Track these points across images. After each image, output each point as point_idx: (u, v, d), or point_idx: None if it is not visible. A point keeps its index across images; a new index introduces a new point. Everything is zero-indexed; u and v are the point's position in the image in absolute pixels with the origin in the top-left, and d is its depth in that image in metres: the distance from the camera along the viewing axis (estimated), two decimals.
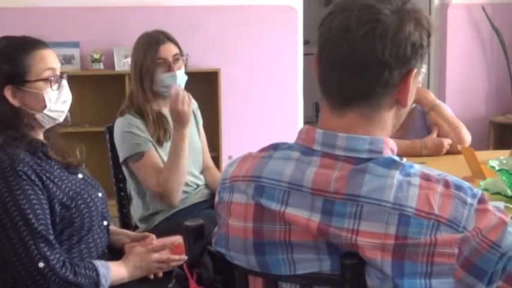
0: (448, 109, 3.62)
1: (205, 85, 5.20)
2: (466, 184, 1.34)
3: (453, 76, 6.06)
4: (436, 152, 3.43)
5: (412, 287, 1.29)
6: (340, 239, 1.31)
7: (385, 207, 1.29)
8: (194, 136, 3.17)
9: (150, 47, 2.98)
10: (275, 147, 1.44)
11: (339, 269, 1.32)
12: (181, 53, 3.05)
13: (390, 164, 1.33)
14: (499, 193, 2.59)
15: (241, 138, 5.44)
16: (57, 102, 2.22)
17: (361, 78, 1.36)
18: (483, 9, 5.89)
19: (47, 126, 2.25)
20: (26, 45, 2.20)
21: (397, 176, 1.31)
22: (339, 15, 1.36)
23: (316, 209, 1.33)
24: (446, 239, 1.28)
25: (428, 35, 1.39)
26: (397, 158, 1.35)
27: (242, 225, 1.39)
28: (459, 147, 3.22)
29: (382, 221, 1.28)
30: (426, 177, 1.33)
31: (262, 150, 1.45)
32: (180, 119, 2.84)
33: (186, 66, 3.10)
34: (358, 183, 1.31)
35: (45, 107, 2.19)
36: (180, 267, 1.52)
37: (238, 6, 5.37)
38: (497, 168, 2.62)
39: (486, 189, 2.62)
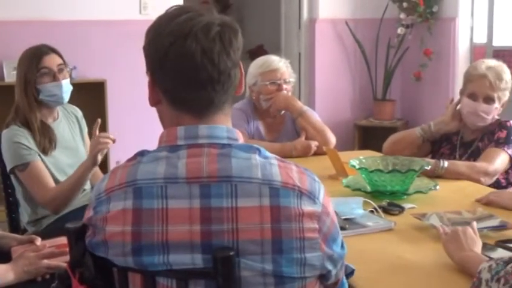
0: (314, 114, 3.73)
1: (92, 95, 5.10)
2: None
3: (321, 84, 6.18)
4: (304, 153, 3.52)
5: (290, 262, 1.36)
6: (222, 224, 1.34)
7: (256, 183, 1.36)
8: (79, 143, 3.13)
9: (35, 57, 2.91)
10: (141, 154, 1.44)
11: (212, 263, 1.34)
12: (65, 64, 3.01)
13: (249, 149, 1.42)
14: (359, 189, 2.69)
15: (129, 144, 5.36)
16: None
17: (224, 85, 1.43)
18: (346, 23, 6.05)
19: None
20: None
21: (257, 158, 1.40)
22: (186, 41, 1.39)
23: (195, 196, 1.35)
24: (309, 211, 1.38)
25: None
26: (255, 145, 1.44)
27: (120, 230, 1.36)
28: (324, 148, 3.31)
29: (256, 195, 1.35)
30: (281, 160, 1.44)
31: (130, 160, 1.45)
32: (95, 160, 2.81)
33: (70, 77, 3.06)
34: (227, 166, 1.37)
35: None
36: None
37: (121, 21, 5.32)
38: (357, 166, 2.72)
39: (348, 186, 2.72)
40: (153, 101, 1.49)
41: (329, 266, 1.43)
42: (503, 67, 3.14)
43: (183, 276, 1.35)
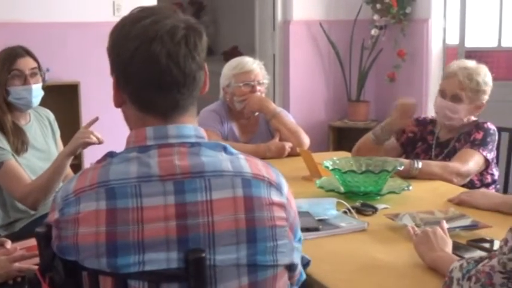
0: (288, 116, 3.73)
1: (66, 98, 5.08)
2: None
3: (296, 86, 6.19)
4: (278, 154, 3.53)
5: (263, 251, 1.40)
6: (197, 217, 1.36)
7: (228, 175, 1.40)
8: (51, 146, 3.11)
9: (8, 59, 2.88)
10: (111, 155, 1.44)
11: (185, 264, 1.34)
12: (39, 69, 2.99)
13: (216, 146, 1.46)
14: (332, 190, 2.69)
15: (103, 146, 5.34)
16: None
17: (190, 89, 1.45)
18: (320, 25, 6.07)
19: None
20: None
21: (224, 154, 1.44)
22: (152, 45, 1.40)
23: (169, 193, 1.37)
24: (277, 201, 1.44)
25: None
26: (221, 143, 1.49)
27: (94, 231, 1.35)
28: (298, 149, 3.32)
29: (229, 186, 1.40)
30: (246, 155, 1.49)
31: (99, 161, 1.45)
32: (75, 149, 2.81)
33: (43, 81, 3.03)
34: (199, 163, 1.40)
35: None
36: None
37: (94, 23, 5.29)
38: (331, 167, 2.73)
39: (321, 187, 2.72)
40: (118, 103, 1.49)
41: (295, 255, 1.49)
42: (479, 69, 3.16)
43: (155, 279, 1.35)
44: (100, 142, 2.82)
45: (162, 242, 1.35)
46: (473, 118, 3.22)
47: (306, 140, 3.61)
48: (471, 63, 3.21)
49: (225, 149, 1.46)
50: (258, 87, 3.62)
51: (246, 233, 1.38)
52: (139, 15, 1.45)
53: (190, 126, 1.46)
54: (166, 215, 1.35)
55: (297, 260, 1.52)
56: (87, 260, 1.37)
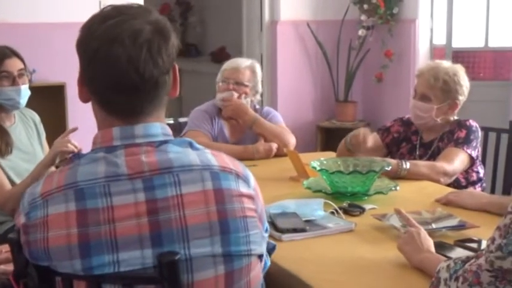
0: (277, 117, 3.72)
1: (52, 99, 5.05)
2: None
3: (283, 86, 6.19)
4: (266, 155, 3.52)
5: (237, 241, 1.42)
6: (169, 212, 1.36)
7: (197, 169, 1.42)
8: (36, 149, 3.09)
9: None
10: (77, 157, 1.43)
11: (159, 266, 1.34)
12: (26, 69, 2.97)
13: (182, 143, 1.47)
14: (320, 191, 2.69)
15: (88, 148, 5.33)
16: None
17: (151, 93, 1.44)
18: (308, 25, 6.07)
19: None
20: None
21: (191, 150, 1.46)
22: (112, 47, 1.39)
23: (139, 190, 1.37)
24: (246, 193, 1.47)
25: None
26: (186, 139, 1.49)
27: (65, 233, 1.34)
28: (285, 150, 3.32)
29: (198, 180, 1.41)
30: (212, 150, 1.50)
31: (66, 164, 1.45)
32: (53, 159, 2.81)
33: (30, 81, 3.03)
34: (166, 159, 1.41)
35: None
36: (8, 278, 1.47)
37: (80, 23, 5.26)
38: (318, 168, 2.72)
39: (309, 188, 2.72)
40: (83, 98, 1.50)
41: (264, 245, 1.53)
42: (449, 69, 3.17)
43: (129, 281, 1.35)
44: (79, 150, 2.81)
45: (135, 239, 1.34)
46: (455, 117, 3.24)
47: (292, 140, 3.59)
48: (444, 63, 3.24)
49: (191, 145, 1.47)
50: (234, 86, 3.58)
51: (219, 225, 1.40)
52: (108, 14, 1.44)
53: (157, 125, 1.46)
54: (138, 213, 1.35)
55: (263, 248, 1.55)
56: (60, 264, 1.35)
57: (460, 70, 3.21)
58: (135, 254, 1.34)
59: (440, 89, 3.15)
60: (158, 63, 1.41)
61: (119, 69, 1.39)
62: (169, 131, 1.49)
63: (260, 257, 1.52)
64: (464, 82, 3.19)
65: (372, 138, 3.19)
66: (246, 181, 1.49)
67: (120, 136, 1.42)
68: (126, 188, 1.36)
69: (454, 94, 3.16)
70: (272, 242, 1.73)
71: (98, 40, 1.41)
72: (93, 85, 1.45)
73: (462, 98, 3.19)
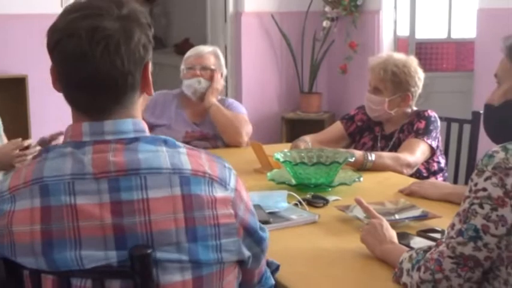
0: (239, 108, 3.73)
1: (13, 91, 4.98)
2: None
3: (248, 77, 6.16)
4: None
5: (205, 249, 1.36)
6: (134, 217, 1.32)
7: (166, 173, 1.35)
8: None
9: None
10: (46, 150, 1.40)
11: (127, 261, 1.31)
12: None
13: (156, 141, 1.40)
14: (284, 182, 2.69)
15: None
16: None
17: (110, 93, 1.39)
18: (272, 17, 6.05)
19: None
20: None
21: (165, 149, 1.39)
22: (69, 42, 1.35)
23: (104, 191, 1.33)
24: (221, 198, 1.39)
25: (150, 27, 1.45)
26: (161, 136, 1.43)
27: (28, 229, 1.31)
28: (249, 142, 3.32)
29: (166, 185, 1.35)
30: (190, 148, 1.44)
31: (35, 157, 1.41)
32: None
33: None
34: (134, 159, 1.35)
35: None
36: None
37: (41, 15, 5.19)
38: (282, 160, 2.72)
39: (273, 180, 2.71)
40: (56, 88, 1.45)
41: (245, 252, 1.45)
42: (398, 61, 3.19)
43: (98, 276, 1.32)
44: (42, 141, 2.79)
45: (99, 241, 1.31)
46: (414, 108, 3.26)
47: (246, 129, 3.61)
48: (395, 56, 3.27)
49: (165, 142, 1.41)
50: (201, 72, 3.63)
51: (186, 233, 1.34)
52: (75, 6, 1.40)
53: (128, 121, 1.40)
54: (102, 214, 1.31)
55: (248, 253, 1.46)
56: (26, 260, 1.33)
57: (412, 62, 3.23)
58: (99, 254, 1.31)
59: (390, 81, 3.17)
60: (115, 63, 1.35)
61: (73, 65, 1.36)
62: (143, 127, 1.42)
63: (240, 262, 1.46)
64: (416, 74, 3.21)
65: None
66: (223, 184, 1.40)
67: (90, 132, 1.38)
68: (91, 187, 1.33)
69: (405, 86, 3.18)
70: (275, 262, 1.68)
71: (59, 32, 1.37)
72: (59, 77, 1.42)
73: (415, 90, 3.21)
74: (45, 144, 2.87)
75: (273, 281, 1.63)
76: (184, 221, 1.34)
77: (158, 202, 1.33)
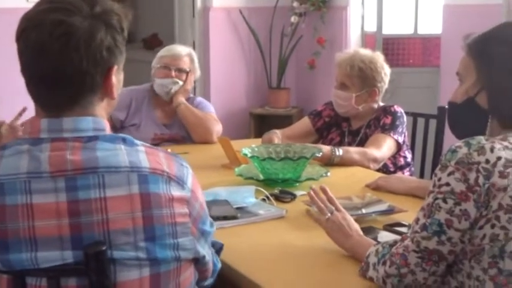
0: (208, 106, 3.73)
1: None
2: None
3: (216, 73, 6.16)
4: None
5: (163, 248, 1.37)
6: (91, 215, 1.31)
7: (124, 171, 1.34)
8: None
9: None
10: (3, 147, 1.38)
11: (83, 260, 1.31)
12: None
13: (114, 139, 1.39)
14: (251, 178, 2.69)
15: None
16: None
17: (67, 90, 1.37)
18: (240, 12, 6.05)
19: None
20: None
21: (123, 147, 1.38)
22: (32, 32, 1.34)
23: (61, 190, 1.31)
24: (178, 196, 1.39)
25: (122, 31, 1.42)
26: (120, 135, 1.42)
27: None
28: (217, 138, 3.31)
29: (124, 183, 1.34)
30: (148, 147, 1.43)
31: None
32: None
33: None
34: (92, 158, 1.34)
35: None
36: None
37: (7, 9, 5.13)
38: (249, 155, 2.72)
39: (240, 175, 2.72)
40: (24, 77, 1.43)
41: (200, 249, 1.46)
42: (364, 57, 3.21)
43: (53, 275, 1.31)
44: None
45: (55, 240, 1.30)
46: (380, 104, 3.28)
47: (216, 128, 3.60)
48: (362, 51, 3.29)
49: (124, 141, 1.40)
50: (176, 74, 3.61)
51: (144, 231, 1.34)
52: (39, 18, 1.37)
53: (88, 119, 1.39)
54: (59, 213, 1.30)
55: (204, 251, 1.49)
56: None
57: (378, 57, 3.25)
58: (55, 254, 1.31)
59: (357, 76, 3.19)
60: (73, 60, 1.33)
61: (32, 56, 1.35)
62: (103, 125, 1.40)
63: (195, 259, 1.48)
64: (383, 69, 3.23)
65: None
66: (180, 183, 1.41)
67: (48, 128, 1.37)
68: (47, 186, 1.31)
69: (371, 81, 3.20)
70: (219, 241, 1.69)
71: (26, 22, 1.37)
72: (22, 68, 1.40)
73: (381, 85, 3.23)
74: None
75: (219, 265, 1.65)
76: (142, 219, 1.34)
77: (116, 201, 1.32)
